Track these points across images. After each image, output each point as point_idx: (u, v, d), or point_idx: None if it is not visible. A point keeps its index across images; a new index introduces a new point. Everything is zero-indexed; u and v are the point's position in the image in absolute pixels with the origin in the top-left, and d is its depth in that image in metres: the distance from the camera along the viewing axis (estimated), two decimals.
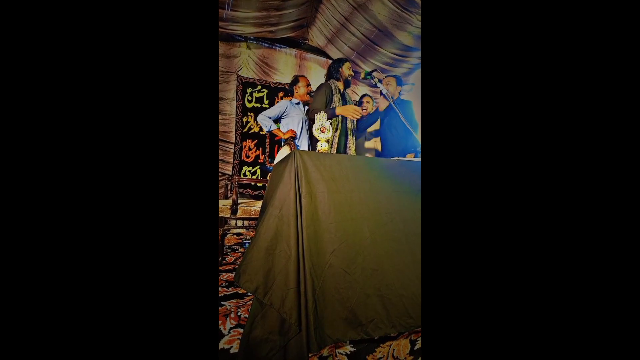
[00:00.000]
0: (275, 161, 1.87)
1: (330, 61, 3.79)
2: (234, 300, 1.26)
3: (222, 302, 1.23)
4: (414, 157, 1.98)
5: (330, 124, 1.28)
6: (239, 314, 1.15)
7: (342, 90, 1.99)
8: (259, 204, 1.96)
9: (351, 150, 1.93)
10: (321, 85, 1.94)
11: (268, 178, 1.25)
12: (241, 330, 1.02)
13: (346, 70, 1.98)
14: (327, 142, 1.25)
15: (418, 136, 1.94)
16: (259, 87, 3.57)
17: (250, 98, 3.54)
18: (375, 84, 1.81)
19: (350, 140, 1.94)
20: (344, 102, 1.95)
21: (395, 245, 1.03)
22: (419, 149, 2.05)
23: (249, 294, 1.31)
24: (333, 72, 2.00)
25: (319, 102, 1.82)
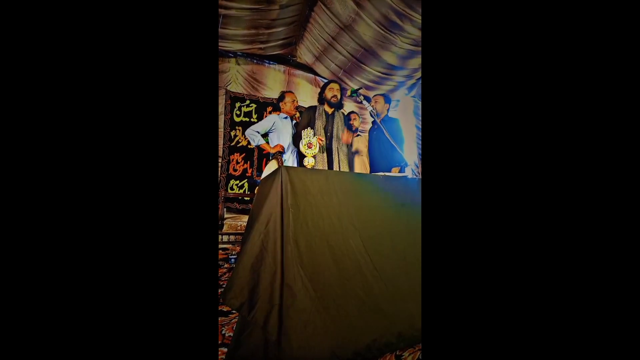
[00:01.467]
0: (263, 176, 1.88)
1: (318, 78, 3.91)
2: (219, 319, 1.23)
3: None
4: (399, 172, 2.04)
5: (318, 140, 1.32)
6: (223, 332, 1.12)
7: (329, 112, 2.03)
8: (247, 218, 1.94)
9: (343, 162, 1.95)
10: (307, 109, 2.01)
11: (255, 192, 1.26)
12: (225, 350, 0.99)
13: (328, 92, 2.02)
14: (314, 157, 1.28)
15: (403, 152, 2.01)
16: (248, 101, 3.61)
17: (238, 112, 3.57)
18: (361, 101, 1.87)
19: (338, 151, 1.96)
20: (331, 124, 1.98)
21: (384, 259, 1.05)
22: (404, 163, 2.11)
23: (234, 311, 1.27)
24: (320, 96, 2.07)
25: (301, 126, 1.91)
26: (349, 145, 2.09)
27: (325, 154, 1.88)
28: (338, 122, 2.02)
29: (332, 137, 1.95)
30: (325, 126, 1.96)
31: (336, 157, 1.90)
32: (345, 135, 1.99)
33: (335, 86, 2.05)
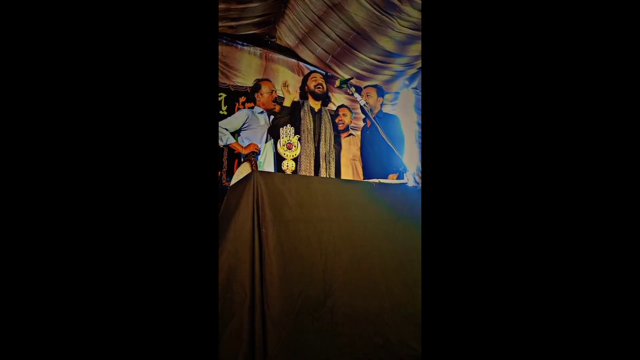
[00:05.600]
0: (233, 181, 1.86)
1: (302, 64, 3.94)
2: None
3: None
4: (397, 179, 2.09)
5: (299, 139, 1.33)
6: None
7: (316, 109, 2.08)
8: None
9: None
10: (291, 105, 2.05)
11: (224, 200, 1.26)
12: None
13: (311, 82, 2.08)
14: (295, 160, 1.30)
15: (402, 155, 2.05)
16: None
17: None
18: (352, 93, 1.92)
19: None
20: (319, 124, 2.03)
21: (370, 284, 1.08)
22: (402, 169, 2.16)
23: None
24: (302, 90, 2.12)
25: (281, 123, 1.93)
26: (340, 146, 2.14)
27: (312, 161, 1.90)
28: (326, 121, 2.07)
29: (319, 140, 1.99)
30: (313, 126, 2.00)
31: (324, 164, 1.94)
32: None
33: (317, 75, 2.12)
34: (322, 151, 1.97)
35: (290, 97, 2.04)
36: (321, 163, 1.93)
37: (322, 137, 1.99)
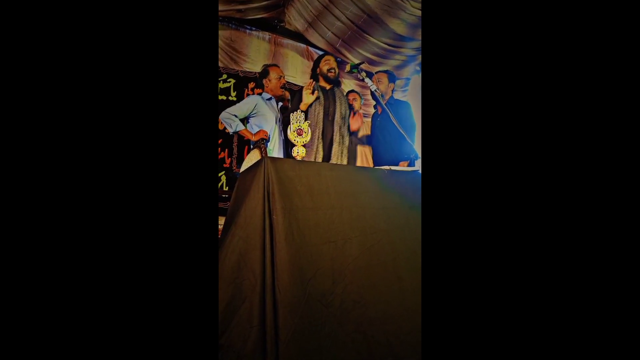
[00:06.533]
0: (242, 168, 1.86)
1: (311, 49, 3.87)
2: None
3: None
4: (408, 166, 2.05)
5: (309, 125, 1.32)
6: None
7: (328, 89, 2.08)
8: (222, 220, 1.93)
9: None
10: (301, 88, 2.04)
11: (235, 187, 1.26)
12: None
13: (324, 65, 2.06)
14: (305, 147, 1.29)
15: (414, 142, 2.02)
16: (225, 76, 3.56)
17: None
18: (363, 78, 1.87)
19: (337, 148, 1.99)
20: (333, 103, 2.02)
21: (380, 272, 1.07)
22: (414, 155, 2.12)
23: None
24: (314, 70, 2.11)
25: (294, 105, 1.92)
26: (355, 133, 2.10)
27: (320, 144, 1.88)
28: (340, 96, 2.05)
29: (333, 120, 1.97)
30: (325, 106, 1.97)
31: (338, 146, 1.93)
32: (354, 120, 2.06)
33: (331, 58, 2.09)
34: (336, 126, 1.96)
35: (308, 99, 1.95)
36: (335, 136, 1.92)
37: (337, 109, 1.98)
